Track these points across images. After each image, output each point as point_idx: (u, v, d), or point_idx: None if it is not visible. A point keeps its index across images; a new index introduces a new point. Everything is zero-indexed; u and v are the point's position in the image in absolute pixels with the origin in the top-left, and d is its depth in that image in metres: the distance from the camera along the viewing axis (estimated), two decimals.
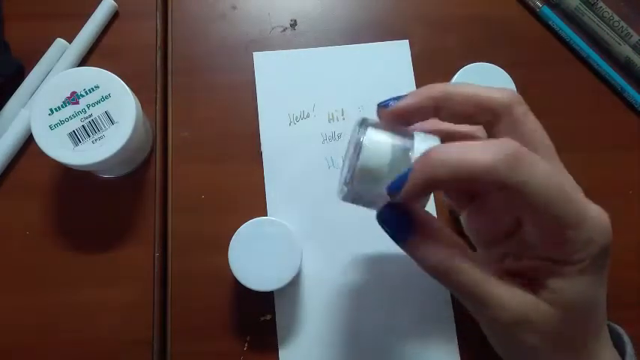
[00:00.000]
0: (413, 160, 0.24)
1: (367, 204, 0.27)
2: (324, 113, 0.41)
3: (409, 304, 0.38)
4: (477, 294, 0.24)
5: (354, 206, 0.27)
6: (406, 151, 0.24)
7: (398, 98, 0.26)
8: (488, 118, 0.25)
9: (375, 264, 0.38)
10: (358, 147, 0.25)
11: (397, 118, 0.26)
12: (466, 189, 0.29)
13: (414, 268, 0.25)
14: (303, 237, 0.38)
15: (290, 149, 0.40)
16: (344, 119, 0.41)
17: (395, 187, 0.23)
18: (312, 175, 0.40)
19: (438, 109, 0.26)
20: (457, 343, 0.37)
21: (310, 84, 0.42)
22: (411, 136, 0.25)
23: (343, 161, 0.26)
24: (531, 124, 0.25)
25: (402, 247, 0.25)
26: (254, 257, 0.33)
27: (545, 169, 0.22)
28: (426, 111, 0.26)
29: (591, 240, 0.23)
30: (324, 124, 0.41)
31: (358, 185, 0.25)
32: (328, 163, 0.40)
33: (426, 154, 0.23)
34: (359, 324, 0.37)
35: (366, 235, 0.39)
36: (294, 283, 0.38)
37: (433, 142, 0.25)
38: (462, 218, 0.31)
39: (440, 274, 0.24)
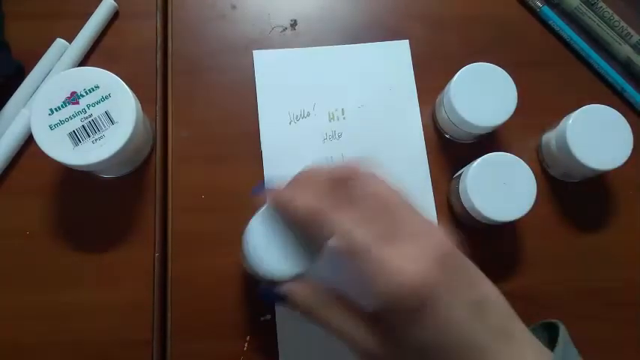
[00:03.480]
0: None
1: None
2: (325, 112, 0.41)
3: None
4: (334, 332, 0.27)
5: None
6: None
7: None
8: None
9: None
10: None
11: None
12: None
13: None
14: None
15: (290, 148, 0.40)
16: (344, 118, 0.41)
17: (258, 190, 0.32)
18: None
19: None
20: None
21: (310, 83, 0.42)
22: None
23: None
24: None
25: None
26: (273, 244, 0.30)
27: (307, 205, 0.27)
28: None
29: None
30: (324, 123, 0.41)
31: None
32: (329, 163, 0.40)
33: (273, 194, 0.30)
34: None
35: None
36: None
37: None
38: None
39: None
